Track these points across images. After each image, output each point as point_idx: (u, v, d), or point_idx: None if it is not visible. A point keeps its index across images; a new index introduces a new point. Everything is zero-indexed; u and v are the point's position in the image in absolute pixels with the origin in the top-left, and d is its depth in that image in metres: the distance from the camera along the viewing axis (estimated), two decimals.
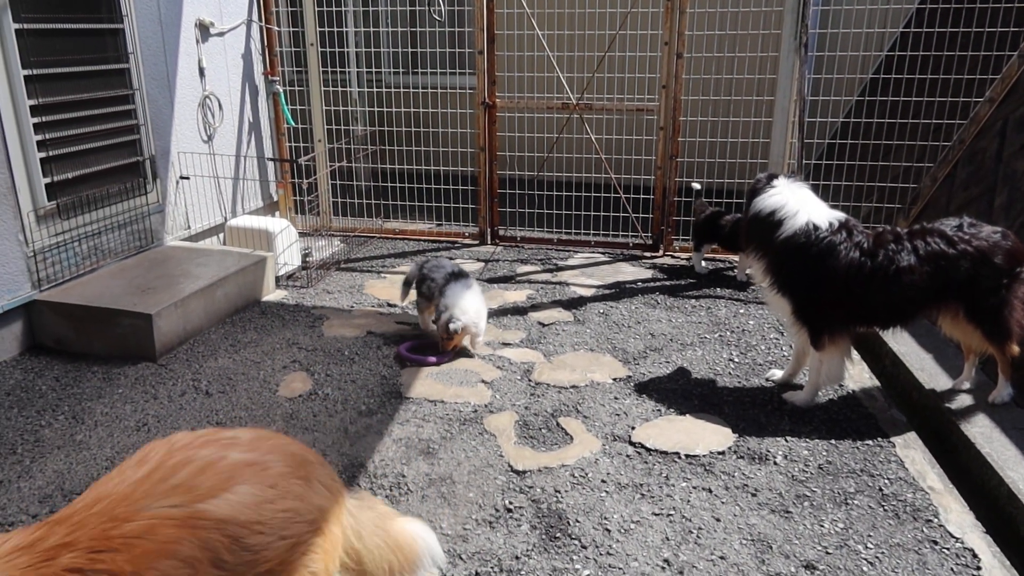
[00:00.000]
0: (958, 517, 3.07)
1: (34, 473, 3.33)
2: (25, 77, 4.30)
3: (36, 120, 4.39)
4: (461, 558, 2.82)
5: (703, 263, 5.93)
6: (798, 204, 3.84)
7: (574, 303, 5.27)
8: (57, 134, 4.55)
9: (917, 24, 6.08)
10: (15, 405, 3.90)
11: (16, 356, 4.40)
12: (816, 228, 3.71)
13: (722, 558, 2.84)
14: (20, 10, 4.26)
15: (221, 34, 5.97)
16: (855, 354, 4.42)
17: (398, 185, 6.90)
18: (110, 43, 4.95)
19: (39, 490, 3.22)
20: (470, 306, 4.37)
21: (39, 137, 4.42)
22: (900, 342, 4.38)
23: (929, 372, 4.07)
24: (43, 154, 4.46)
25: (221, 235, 6.08)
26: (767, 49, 6.25)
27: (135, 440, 3.58)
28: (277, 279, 5.57)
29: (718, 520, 3.05)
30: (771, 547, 2.89)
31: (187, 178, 5.67)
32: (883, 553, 2.86)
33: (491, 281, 5.70)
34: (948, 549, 2.89)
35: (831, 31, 6.11)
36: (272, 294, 5.42)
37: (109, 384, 4.09)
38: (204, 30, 5.77)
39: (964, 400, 3.80)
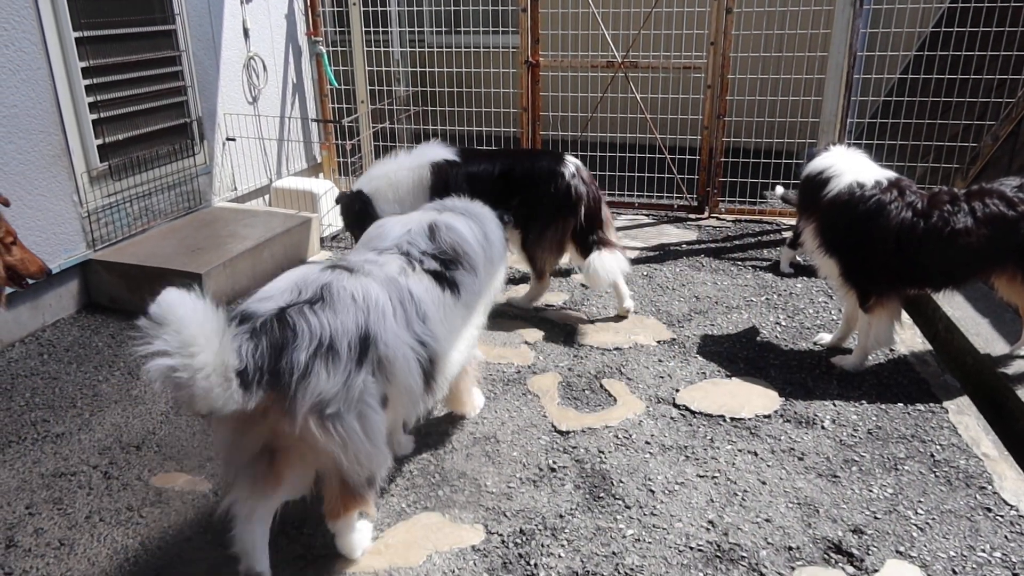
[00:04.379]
0: (1013, 484, 3.00)
1: (93, 426, 3.45)
2: (76, 39, 4.36)
3: (88, 82, 4.45)
4: (506, 515, 2.86)
5: (790, 266, 5.17)
6: (846, 164, 3.74)
7: None
8: (108, 96, 4.62)
9: None
10: (74, 361, 4.03)
11: (73, 314, 4.53)
12: (862, 186, 3.62)
13: (767, 520, 2.83)
14: None
15: None
16: (907, 318, 4.32)
17: None
18: (157, 5, 4.98)
19: (98, 442, 3.33)
20: None
21: (91, 99, 4.49)
22: (954, 306, 4.26)
23: (985, 337, 3.96)
24: (95, 116, 4.53)
25: (266, 196, 6.15)
26: (820, 3, 6.03)
27: None
28: (321, 240, 5.62)
29: (764, 483, 3.03)
30: (818, 511, 2.87)
31: (233, 139, 5.72)
32: (934, 519, 2.82)
33: None
34: (1002, 516, 2.83)
35: None
36: (317, 255, 5.48)
37: None
38: None
39: (1021, 366, 3.69)
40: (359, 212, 4.26)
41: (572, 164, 4.30)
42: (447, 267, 2.83)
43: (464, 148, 4.50)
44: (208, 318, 2.00)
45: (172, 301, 1.96)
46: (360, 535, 2.66)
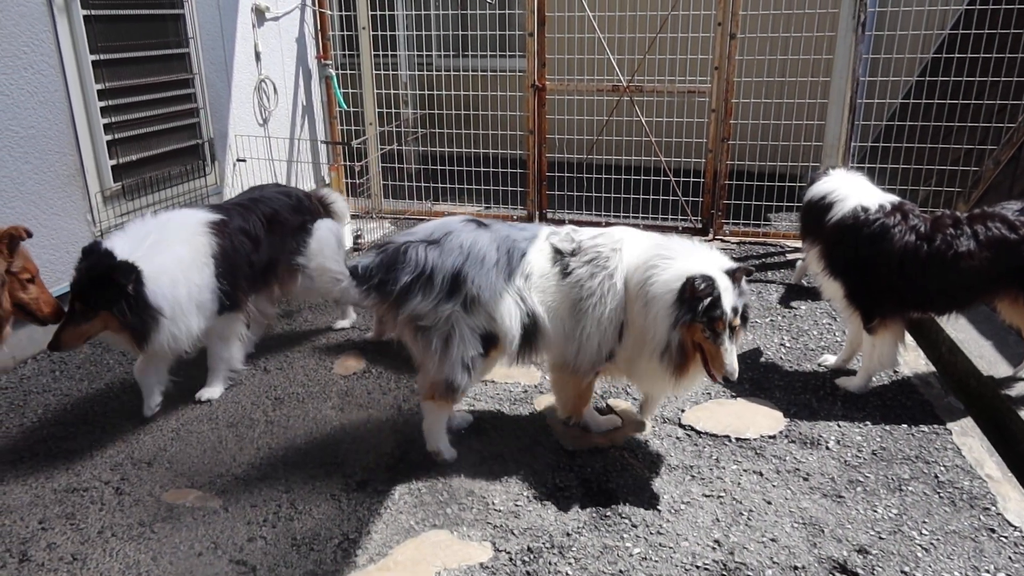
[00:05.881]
0: (1017, 506, 3.02)
1: (105, 442, 3.48)
2: (93, 62, 4.45)
3: (103, 104, 4.54)
4: (513, 533, 2.88)
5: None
6: (849, 188, 3.80)
7: None
8: (122, 117, 4.71)
9: (983, 1, 5.89)
10: (85, 378, 4.08)
11: None
12: (866, 210, 3.67)
13: (773, 540, 2.85)
14: None
15: (276, 18, 6.08)
16: (910, 340, 4.35)
17: (447, 168, 6.97)
18: (171, 28, 5.09)
19: (110, 458, 3.37)
20: None
21: (106, 120, 4.58)
22: (957, 328, 4.29)
23: (988, 359, 3.99)
24: (109, 137, 4.61)
25: None
26: (823, 29, 6.12)
27: (198, 413, 3.72)
28: None
29: (769, 503, 3.05)
30: (823, 531, 2.89)
31: (244, 160, 5.80)
32: (938, 540, 2.84)
33: None
34: (1006, 537, 2.85)
35: (891, 9, 5.95)
36: None
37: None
38: (260, 15, 5.88)
39: None
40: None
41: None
42: (573, 256, 3.13)
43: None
44: (335, 240, 3.04)
45: (319, 227, 3.06)
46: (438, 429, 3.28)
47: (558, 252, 3.14)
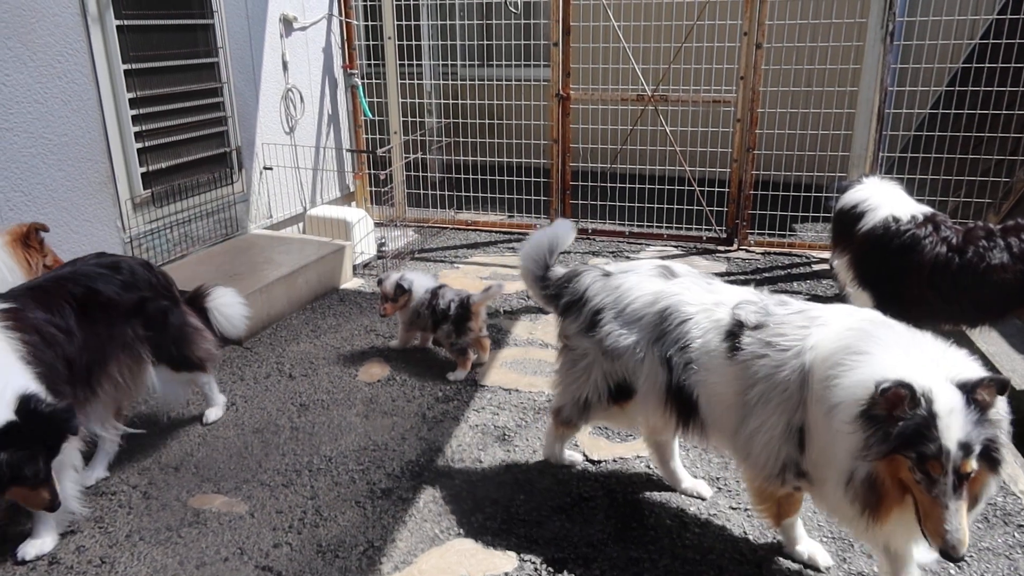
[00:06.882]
0: None
1: (132, 447, 3.51)
2: (125, 71, 4.52)
3: (134, 112, 4.61)
4: (538, 543, 2.87)
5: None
6: (881, 198, 3.76)
7: None
8: (152, 126, 4.77)
9: (1013, 11, 5.82)
10: None
11: None
12: (897, 221, 3.63)
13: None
14: (121, 7, 4.47)
15: (303, 28, 6.14)
16: None
17: (471, 177, 6.99)
18: (201, 38, 5.15)
19: (138, 463, 3.40)
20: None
21: (136, 128, 4.64)
22: (989, 342, 4.22)
23: (1020, 374, 3.92)
24: (140, 144, 4.68)
25: (301, 224, 6.27)
26: (850, 38, 6.08)
27: (224, 419, 3.74)
28: (354, 267, 5.71)
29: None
30: (852, 545, 2.85)
31: (270, 168, 5.86)
32: (971, 557, 2.78)
33: None
34: None
35: (920, 19, 5.90)
36: (350, 282, 5.56)
37: None
38: (287, 25, 5.95)
39: None
40: None
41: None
42: (747, 332, 2.51)
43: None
44: (541, 254, 3.17)
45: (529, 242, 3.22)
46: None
47: (738, 325, 2.53)
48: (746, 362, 2.46)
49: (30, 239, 3.46)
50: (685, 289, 2.75)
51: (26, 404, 2.48)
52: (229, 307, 3.76)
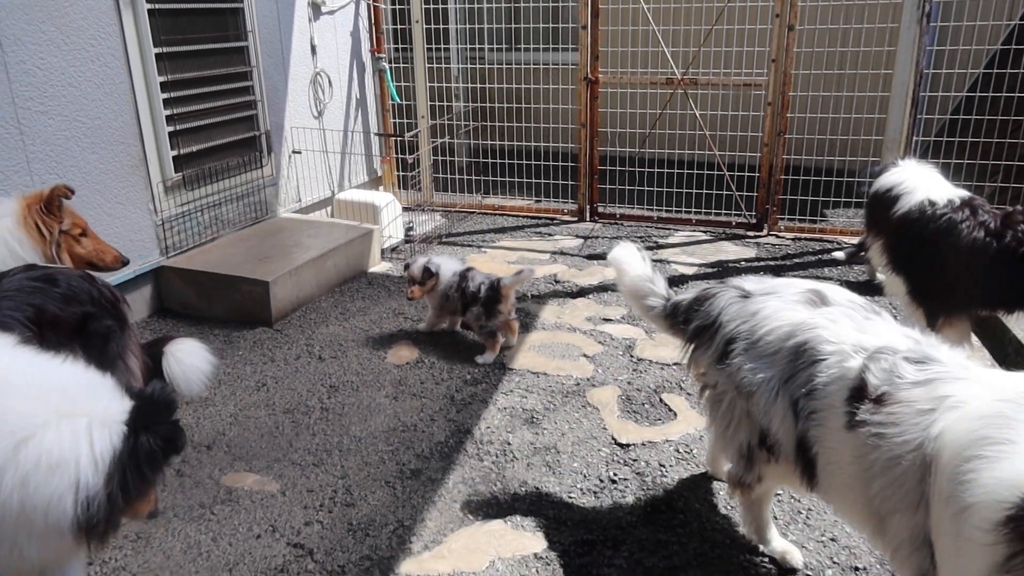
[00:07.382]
0: None
1: None
2: (156, 55, 4.55)
3: (165, 96, 4.65)
4: (567, 525, 2.87)
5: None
6: (917, 181, 3.70)
7: (675, 281, 5.22)
8: (183, 109, 4.81)
9: None
10: None
11: (146, 318, 4.70)
12: (933, 204, 3.56)
13: (832, 540, 2.79)
14: None
15: (331, 12, 6.14)
16: (975, 340, 4.21)
17: (498, 161, 6.97)
18: (231, 22, 5.18)
19: None
20: None
21: (168, 112, 4.68)
22: None
23: None
24: (171, 128, 4.72)
25: (329, 208, 6.30)
26: (885, 20, 5.96)
27: (256, 399, 3.79)
28: (382, 251, 5.73)
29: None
30: None
31: (299, 152, 5.88)
32: None
33: (590, 258, 5.70)
34: None
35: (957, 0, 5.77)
36: (378, 266, 5.58)
37: (230, 346, 4.33)
38: (316, 9, 5.95)
39: None
40: None
41: None
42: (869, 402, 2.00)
43: None
44: (638, 267, 2.96)
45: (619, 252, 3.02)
46: None
47: (861, 387, 2.03)
48: (860, 440, 1.99)
49: (51, 205, 3.09)
50: (831, 322, 2.26)
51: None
52: (189, 355, 3.09)
